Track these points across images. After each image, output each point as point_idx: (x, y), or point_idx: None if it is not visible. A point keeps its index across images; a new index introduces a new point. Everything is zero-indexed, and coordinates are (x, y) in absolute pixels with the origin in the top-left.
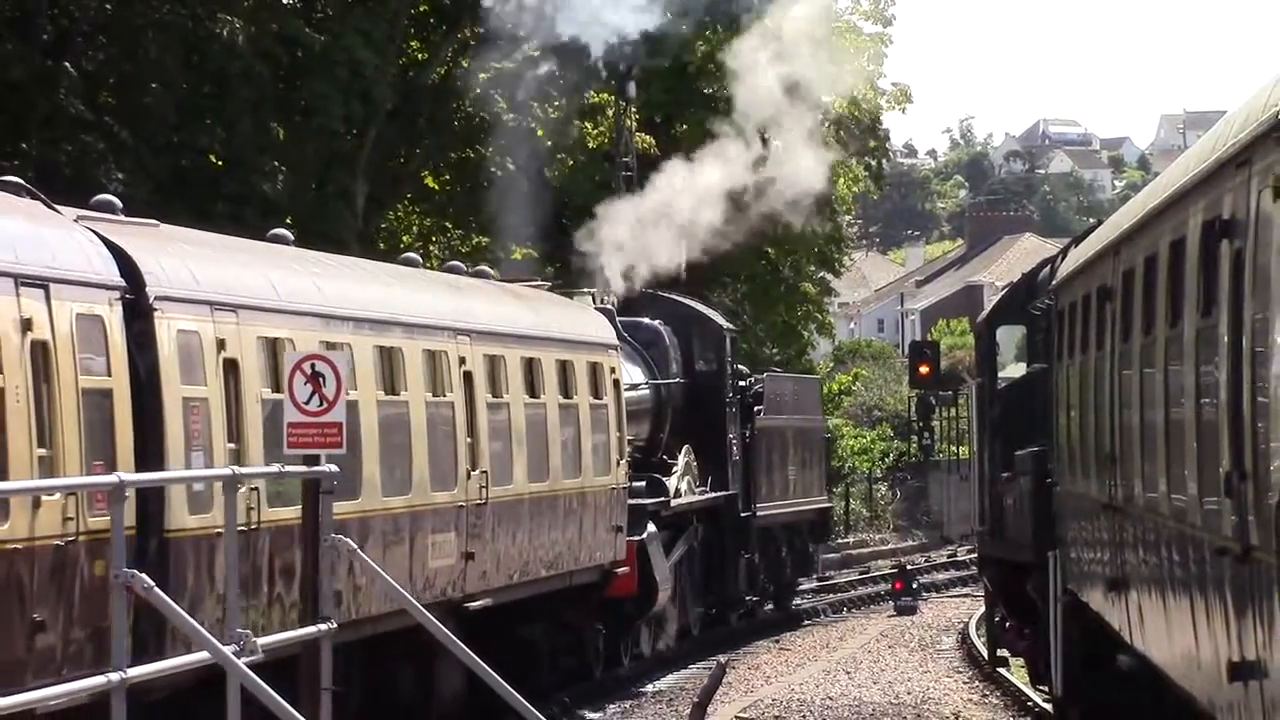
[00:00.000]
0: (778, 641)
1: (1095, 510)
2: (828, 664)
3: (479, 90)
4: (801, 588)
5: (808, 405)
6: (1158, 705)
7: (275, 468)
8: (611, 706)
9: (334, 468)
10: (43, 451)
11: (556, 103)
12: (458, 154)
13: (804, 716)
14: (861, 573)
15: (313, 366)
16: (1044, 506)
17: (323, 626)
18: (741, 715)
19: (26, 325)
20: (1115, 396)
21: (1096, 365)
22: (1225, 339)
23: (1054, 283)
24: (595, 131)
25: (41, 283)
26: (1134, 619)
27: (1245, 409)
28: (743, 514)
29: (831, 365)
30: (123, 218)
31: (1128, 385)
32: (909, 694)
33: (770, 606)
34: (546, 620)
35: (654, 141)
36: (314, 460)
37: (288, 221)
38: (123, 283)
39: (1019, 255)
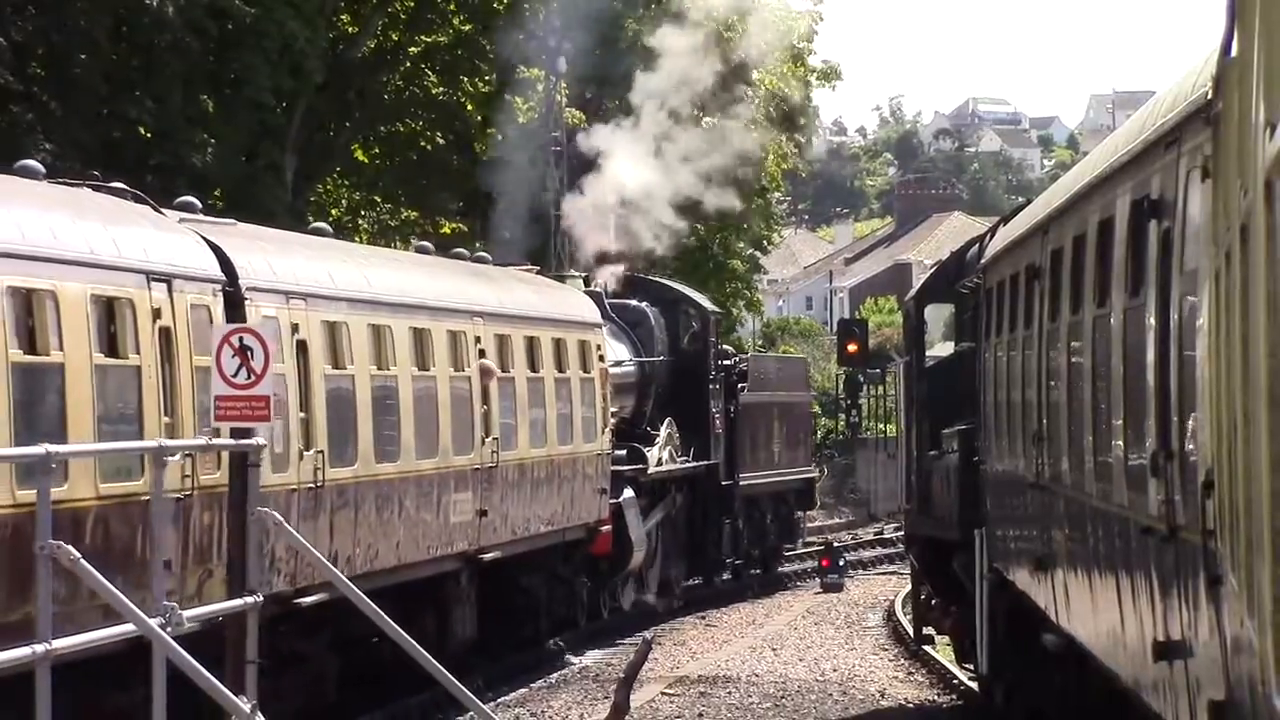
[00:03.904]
0: (704, 618)
1: (1021, 489)
2: (754, 641)
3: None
4: (789, 553)
5: (793, 383)
6: (1083, 684)
7: (202, 439)
8: (539, 682)
9: (262, 441)
10: (167, 419)
11: (487, 77)
12: (387, 128)
13: (729, 693)
14: (788, 549)
15: (240, 340)
16: (970, 485)
17: (249, 599)
18: (667, 691)
19: (156, 314)
20: (1043, 375)
21: (1024, 344)
22: (1153, 318)
23: (982, 261)
24: (526, 106)
25: (165, 278)
26: (1060, 598)
27: (1172, 389)
28: (724, 483)
29: (760, 342)
30: (205, 217)
31: (1055, 364)
32: (835, 671)
33: (757, 570)
34: (543, 572)
35: (584, 117)
36: (242, 433)
37: (216, 194)
38: (223, 277)
39: (948, 233)
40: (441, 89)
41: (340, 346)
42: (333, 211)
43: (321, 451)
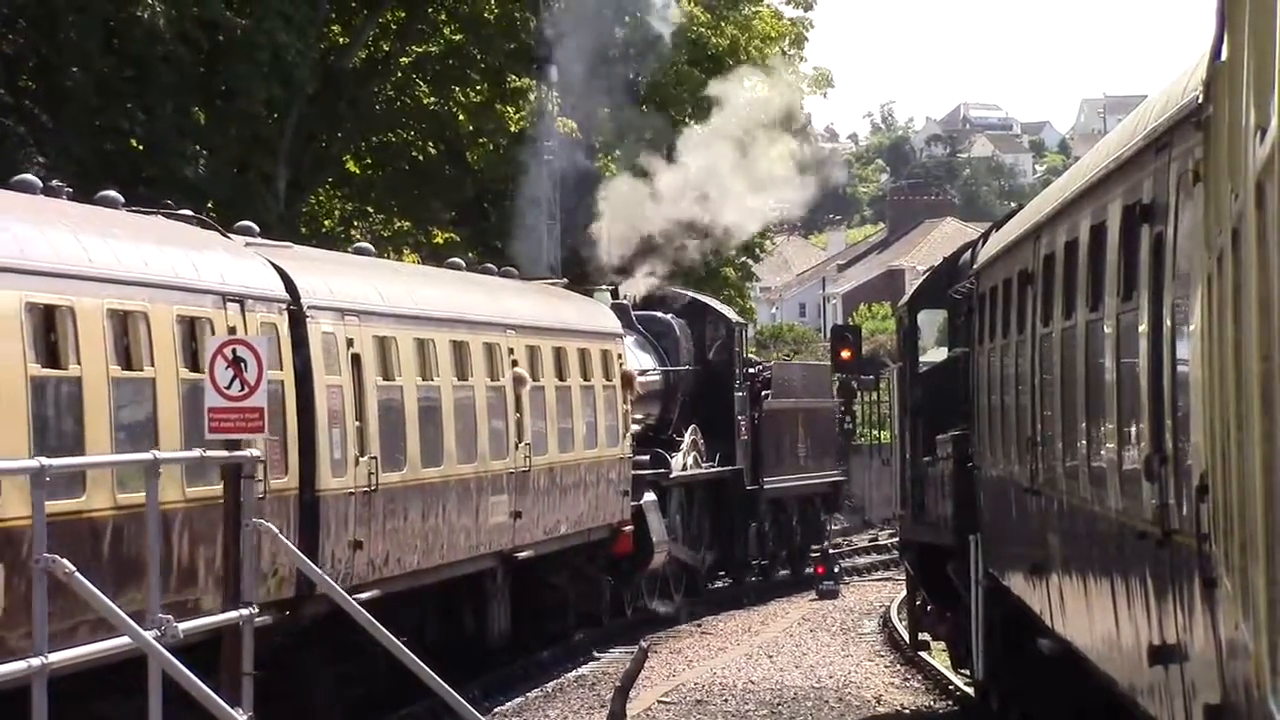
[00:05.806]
0: (700, 625)
1: (1016, 494)
2: (749, 648)
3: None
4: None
5: (817, 389)
6: (1079, 689)
7: (197, 452)
8: (535, 691)
9: (256, 452)
10: None
11: (478, 86)
12: (379, 138)
13: (726, 700)
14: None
15: (234, 351)
16: (965, 490)
17: (244, 611)
18: (663, 699)
19: (231, 332)
20: (1036, 380)
21: (1017, 349)
22: (1146, 323)
23: (975, 267)
24: (517, 116)
25: (239, 299)
26: (1055, 603)
27: (1165, 393)
28: (750, 487)
29: (753, 350)
30: (266, 240)
31: (1048, 369)
32: (830, 678)
33: (785, 571)
34: (570, 571)
35: (575, 126)
36: (235, 445)
37: (209, 205)
38: (287, 297)
39: (940, 239)
40: (433, 99)
41: (390, 359)
42: (325, 222)
43: (375, 457)
